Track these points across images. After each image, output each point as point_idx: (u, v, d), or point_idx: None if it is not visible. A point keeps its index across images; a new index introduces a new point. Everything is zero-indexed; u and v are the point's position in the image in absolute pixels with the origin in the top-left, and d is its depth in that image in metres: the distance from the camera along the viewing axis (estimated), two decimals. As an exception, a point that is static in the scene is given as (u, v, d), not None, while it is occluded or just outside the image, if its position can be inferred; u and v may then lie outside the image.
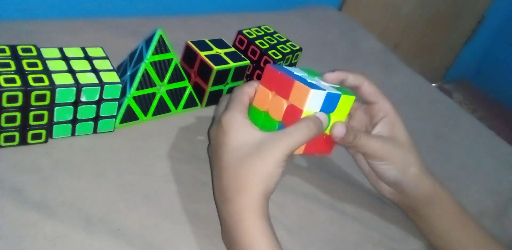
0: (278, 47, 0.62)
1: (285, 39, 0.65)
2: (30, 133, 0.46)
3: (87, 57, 0.49)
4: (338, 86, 0.49)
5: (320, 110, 0.45)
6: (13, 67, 0.44)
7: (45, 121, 0.45)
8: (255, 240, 0.40)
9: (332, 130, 0.46)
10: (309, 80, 0.45)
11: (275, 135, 0.43)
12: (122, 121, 0.52)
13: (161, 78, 0.52)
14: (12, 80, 0.42)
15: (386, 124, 0.50)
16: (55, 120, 0.46)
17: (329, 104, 0.45)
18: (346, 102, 0.46)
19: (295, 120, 0.44)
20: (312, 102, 0.43)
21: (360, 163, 0.54)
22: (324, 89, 0.44)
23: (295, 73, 0.47)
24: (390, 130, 0.50)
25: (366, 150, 0.48)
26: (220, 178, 0.43)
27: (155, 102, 0.54)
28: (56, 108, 0.45)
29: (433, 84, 1.74)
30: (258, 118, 0.47)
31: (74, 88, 0.45)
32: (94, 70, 0.47)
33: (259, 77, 0.62)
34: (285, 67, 0.48)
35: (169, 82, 0.54)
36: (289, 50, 0.63)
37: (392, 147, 0.49)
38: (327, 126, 0.46)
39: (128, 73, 0.52)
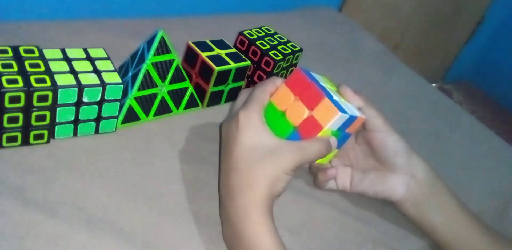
0: (279, 48, 0.63)
1: (285, 40, 0.65)
2: (32, 133, 0.46)
3: (89, 58, 0.49)
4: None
5: (337, 129, 0.46)
6: (15, 68, 0.44)
7: (47, 121, 0.46)
8: (258, 236, 0.41)
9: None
10: (333, 97, 0.46)
11: (291, 145, 0.44)
12: (123, 122, 0.52)
13: (163, 79, 0.53)
14: (15, 81, 0.42)
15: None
16: (57, 120, 0.47)
17: (346, 124, 0.46)
18: (357, 122, 0.48)
19: (311, 134, 0.45)
20: (335, 123, 0.45)
21: (351, 185, 0.54)
22: (347, 112, 0.45)
23: (320, 83, 0.47)
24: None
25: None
26: (229, 174, 0.44)
27: (156, 103, 0.54)
28: (58, 109, 0.46)
29: (433, 85, 1.75)
30: (273, 116, 0.47)
31: (76, 89, 0.45)
32: (96, 71, 0.47)
33: (260, 78, 0.63)
34: (312, 73, 0.48)
35: (171, 83, 0.54)
36: (289, 50, 0.63)
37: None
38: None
39: (130, 74, 0.52)
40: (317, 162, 0.49)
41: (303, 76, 0.47)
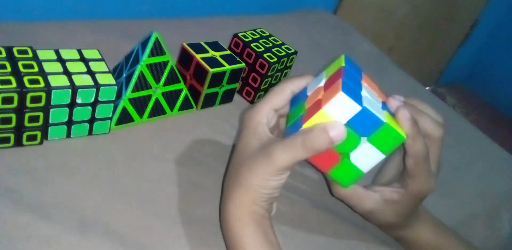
0: (274, 50, 0.63)
1: (280, 42, 0.66)
2: (25, 135, 0.46)
3: (83, 59, 0.49)
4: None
5: (349, 126, 0.37)
6: (8, 69, 0.44)
7: (40, 123, 0.46)
8: (242, 246, 0.40)
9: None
10: (365, 95, 0.38)
11: (272, 146, 0.39)
12: (117, 123, 0.52)
13: (157, 80, 0.53)
14: (8, 82, 0.42)
15: (403, 196, 0.45)
16: (50, 122, 0.46)
17: (361, 124, 0.37)
18: (390, 138, 0.38)
19: (308, 118, 0.38)
20: (337, 107, 0.36)
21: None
22: (361, 104, 0.36)
23: (360, 78, 0.41)
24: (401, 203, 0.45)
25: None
26: (225, 178, 0.43)
27: (150, 105, 0.54)
28: (51, 110, 0.45)
29: (427, 88, 1.75)
30: (298, 102, 0.42)
31: (70, 90, 0.45)
32: (90, 72, 0.47)
33: (254, 80, 0.63)
34: (357, 67, 0.42)
35: (165, 84, 0.54)
36: (284, 53, 0.63)
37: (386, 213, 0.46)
38: (351, 144, 0.38)
39: (124, 75, 0.52)
40: (339, 184, 0.41)
41: (341, 61, 0.41)
